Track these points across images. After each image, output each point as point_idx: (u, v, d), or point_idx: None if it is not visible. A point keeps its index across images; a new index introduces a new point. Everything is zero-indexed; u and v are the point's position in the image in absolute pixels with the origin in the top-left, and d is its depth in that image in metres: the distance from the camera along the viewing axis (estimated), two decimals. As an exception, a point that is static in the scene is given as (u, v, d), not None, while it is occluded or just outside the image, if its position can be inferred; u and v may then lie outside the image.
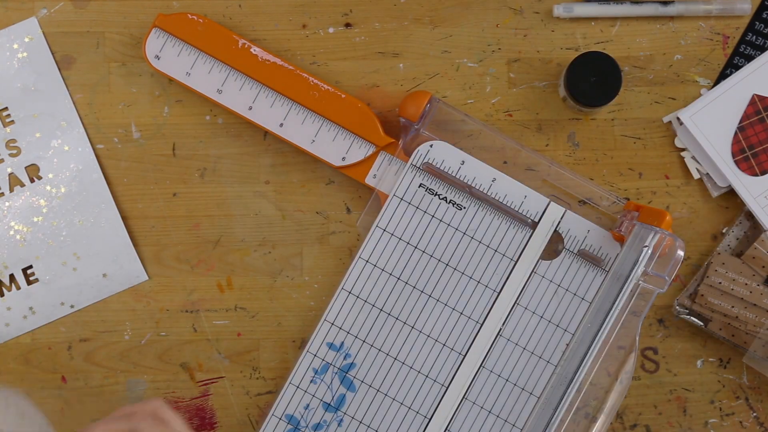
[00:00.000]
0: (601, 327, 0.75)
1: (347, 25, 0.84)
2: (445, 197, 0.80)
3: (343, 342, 0.80)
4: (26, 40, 0.83)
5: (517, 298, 0.80)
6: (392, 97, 0.83)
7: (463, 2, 0.83)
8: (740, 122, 0.81)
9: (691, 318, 0.81)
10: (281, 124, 0.81)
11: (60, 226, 0.82)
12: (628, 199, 0.82)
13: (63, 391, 0.82)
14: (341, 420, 0.80)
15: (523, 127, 0.83)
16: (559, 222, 0.80)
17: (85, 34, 0.84)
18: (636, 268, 0.75)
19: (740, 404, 0.82)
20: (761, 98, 0.81)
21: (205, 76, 0.81)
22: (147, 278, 0.82)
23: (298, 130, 0.81)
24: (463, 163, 0.80)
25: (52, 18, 0.83)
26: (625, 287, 0.75)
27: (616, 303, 0.75)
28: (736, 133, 0.81)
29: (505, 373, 0.79)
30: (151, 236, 0.83)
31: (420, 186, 0.80)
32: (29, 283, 0.82)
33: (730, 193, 0.82)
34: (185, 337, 0.83)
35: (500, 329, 0.80)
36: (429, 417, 0.80)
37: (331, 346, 0.80)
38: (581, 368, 0.74)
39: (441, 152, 0.80)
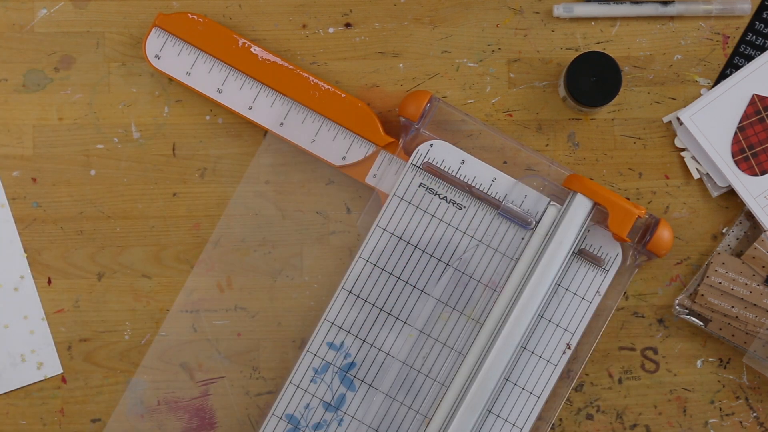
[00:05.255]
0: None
1: (347, 25, 0.84)
2: (446, 197, 0.80)
3: (343, 341, 0.80)
4: None
5: (518, 298, 0.80)
6: (392, 97, 0.83)
7: (463, 2, 0.84)
8: (740, 122, 0.81)
9: (691, 318, 0.81)
10: (281, 124, 0.81)
11: None
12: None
13: (63, 391, 0.82)
14: (341, 420, 0.80)
15: (523, 127, 0.83)
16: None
17: (85, 34, 0.84)
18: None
19: (740, 404, 0.82)
20: (761, 98, 0.81)
21: (205, 75, 0.81)
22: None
23: (298, 130, 0.81)
24: (463, 162, 0.80)
25: (52, 18, 0.83)
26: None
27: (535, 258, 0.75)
28: (736, 133, 0.81)
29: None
30: (151, 236, 0.83)
31: (420, 185, 0.80)
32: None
33: (730, 193, 0.82)
34: (185, 337, 0.82)
35: (500, 329, 0.80)
36: (429, 417, 0.80)
37: (331, 345, 0.80)
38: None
39: (441, 152, 0.80)
